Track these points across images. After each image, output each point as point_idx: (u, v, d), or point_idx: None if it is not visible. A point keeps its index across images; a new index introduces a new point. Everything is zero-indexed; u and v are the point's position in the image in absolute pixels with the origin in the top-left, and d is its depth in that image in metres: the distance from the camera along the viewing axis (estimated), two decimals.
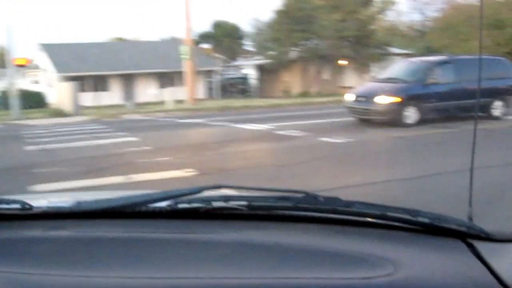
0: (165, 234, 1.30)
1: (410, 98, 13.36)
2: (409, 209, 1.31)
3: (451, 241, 1.25)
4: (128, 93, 35.48)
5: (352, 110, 14.43)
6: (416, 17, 77.17)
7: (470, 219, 1.38)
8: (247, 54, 46.52)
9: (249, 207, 1.34)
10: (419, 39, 46.12)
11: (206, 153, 10.23)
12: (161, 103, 27.24)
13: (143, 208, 1.38)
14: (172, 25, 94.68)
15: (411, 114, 13.31)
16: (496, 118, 14.20)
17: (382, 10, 38.86)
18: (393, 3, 39.85)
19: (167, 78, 35.67)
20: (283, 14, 36.84)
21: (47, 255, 1.21)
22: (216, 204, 1.36)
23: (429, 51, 31.19)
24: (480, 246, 1.20)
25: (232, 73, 42.83)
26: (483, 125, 12.95)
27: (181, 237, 1.27)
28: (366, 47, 35.98)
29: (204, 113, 21.87)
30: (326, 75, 37.31)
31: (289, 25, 35.74)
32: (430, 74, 13.80)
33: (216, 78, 39.05)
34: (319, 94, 33.39)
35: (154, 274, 1.11)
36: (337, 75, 37.28)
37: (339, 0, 35.57)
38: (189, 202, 1.37)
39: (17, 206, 1.40)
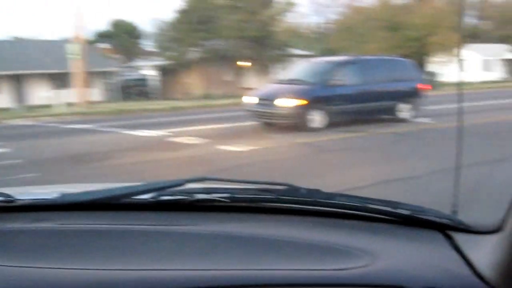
0: (148, 226, 1.29)
1: (315, 101, 12.56)
2: (390, 201, 1.32)
3: (430, 233, 1.26)
4: (19, 95, 32.76)
5: (253, 113, 13.42)
6: (316, 19, 78.75)
7: (453, 212, 1.39)
8: (148, 54, 44.95)
9: (231, 199, 1.37)
10: (319, 41, 46.48)
11: (86, 167, 8.80)
12: (54, 106, 25.07)
13: (127, 200, 1.38)
14: (72, 24, 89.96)
15: (316, 118, 12.50)
16: (403, 121, 13.74)
17: (282, 11, 38.73)
18: (293, 5, 39.93)
19: (63, 79, 33.23)
20: (184, 14, 35.89)
21: (30, 248, 1.20)
22: (199, 196, 1.38)
23: (329, 53, 31.19)
24: (459, 237, 1.21)
25: (132, 74, 41.03)
26: (391, 129, 12.45)
27: (164, 229, 1.27)
28: (267, 48, 35.78)
29: (97, 117, 20.12)
30: (228, 76, 36.66)
31: (190, 25, 34.81)
32: (335, 75, 13.07)
33: (115, 80, 37.07)
34: (221, 96, 32.52)
35: (137, 266, 1.10)
36: (239, 76, 36.75)
37: (240, 0, 35.07)
38: (173, 194, 1.38)
39: (0, 198, 1.40)
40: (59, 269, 1.09)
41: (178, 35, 35.42)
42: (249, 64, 36.28)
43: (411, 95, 14.10)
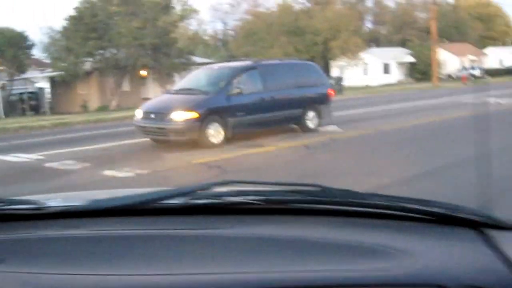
0: (178, 230, 1.29)
1: (213, 112, 10.96)
2: (422, 200, 1.32)
3: (464, 231, 1.26)
4: None
5: (142, 129, 11.57)
6: (218, 26, 77.99)
7: (486, 208, 1.39)
8: (41, 65, 41.78)
9: (261, 201, 1.35)
10: (221, 48, 45.29)
11: None
12: None
13: (156, 205, 1.38)
14: None
15: (215, 132, 10.88)
16: (311, 130, 12.44)
17: (182, 18, 37.23)
18: (194, 11, 38.62)
19: None
20: (76, 21, 33.43)
21: (61, 255, 1.21)
22: (228, 199, 1.37)
23: (231, 60, 29.98)
24: (493, 234, 1.21)
25: (22, 88, 37.81)
26: (299, 141, 11.10)
27: (194, 233, 1.27)
28: (167, 56, 34.12)
29: None
30: (126, 86, 34.67)
31: (82, 33, 32.41)
32: (235, 83, 11.48)
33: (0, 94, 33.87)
34: (120, 108, 30.40)
35: (168, 271, 1.10)
36: (138, 87, 34.76)
37: (137, 6, 33.27)
38: (202, 198, 1.38)
39: (31, 206, 1.42)
40: (90, 276, 1.10)
41: (70, 44, 32.93)
42: (149, 73, 34.51)
43: (319, 102, 12.84)
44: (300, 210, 1.34)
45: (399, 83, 47.59)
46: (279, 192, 1.40)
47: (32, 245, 1.26)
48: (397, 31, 60.53)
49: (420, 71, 48.12)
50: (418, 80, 47.49)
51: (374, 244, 1.15)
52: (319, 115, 12.74)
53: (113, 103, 32.85)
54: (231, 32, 50.55)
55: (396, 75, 52.23)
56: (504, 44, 66.74)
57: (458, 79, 45.45)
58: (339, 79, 32.43)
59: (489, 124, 12.97)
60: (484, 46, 63.68)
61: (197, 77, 12.77)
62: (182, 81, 13.39)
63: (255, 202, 1.32)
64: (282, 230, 1.25)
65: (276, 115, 11.78)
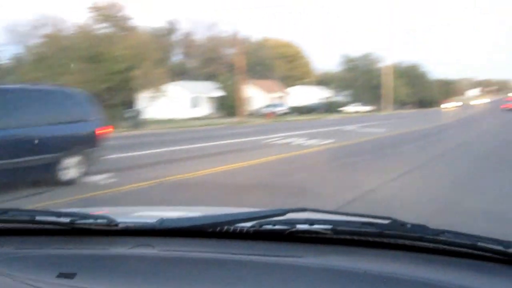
0: (248, 256, 1.28)
1: None
2: (501, 240, 1.25)
3: None
4: None
5: None
6: (14, 49, 71.65)
7: None
8: None
9: (334, 231, 1.33)
10: (12, 72, 39.68)
11: None
12: None
13: (226, 228, 1.38)
14: None
15: None
16: (69, 183, 9.11)
17: None
18: None
19: None
20: None
21: (130, 273, 1.20)
22: (300, 227, 1.35)
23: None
24: None
25: None
26: (43, 201, 7.73)
27: (265, 260, 1.25)
28: None
29: None
30: None
31: None
32: None
33: None
34: None
35: None
36: None
37: None
38: (273, 224, 1.36)
39: (104, 221, 1.43)
40: None
41: None
42: None
43: (83, 144, 9.55)
44: (370, 242, 1.31)
45: (207, 117, 46.33)
46: (350, 223, 1.37)
47: (103, 262, 1.27)
48: (206, 65, 59.75)
49: (229, 105, 47.29)
50: (227, 114, 46.60)
51: (446, 283, 1.09)
52: (83, 161, 9.48)
53: None
54: (26, 56, 45.05)
55: (206, 108, 51.18)
56: (305, 83, 69.89)
57: (263, 115, 45.66)
58: (136, 112, 29.39)
59: (295, 178, 11.00)
60: (289, 84, 65.67)
61: None
62: None
63: (324, 231, 1.31)
64: (350, 262, 1.22)
65: (13, 163, 8.28)
